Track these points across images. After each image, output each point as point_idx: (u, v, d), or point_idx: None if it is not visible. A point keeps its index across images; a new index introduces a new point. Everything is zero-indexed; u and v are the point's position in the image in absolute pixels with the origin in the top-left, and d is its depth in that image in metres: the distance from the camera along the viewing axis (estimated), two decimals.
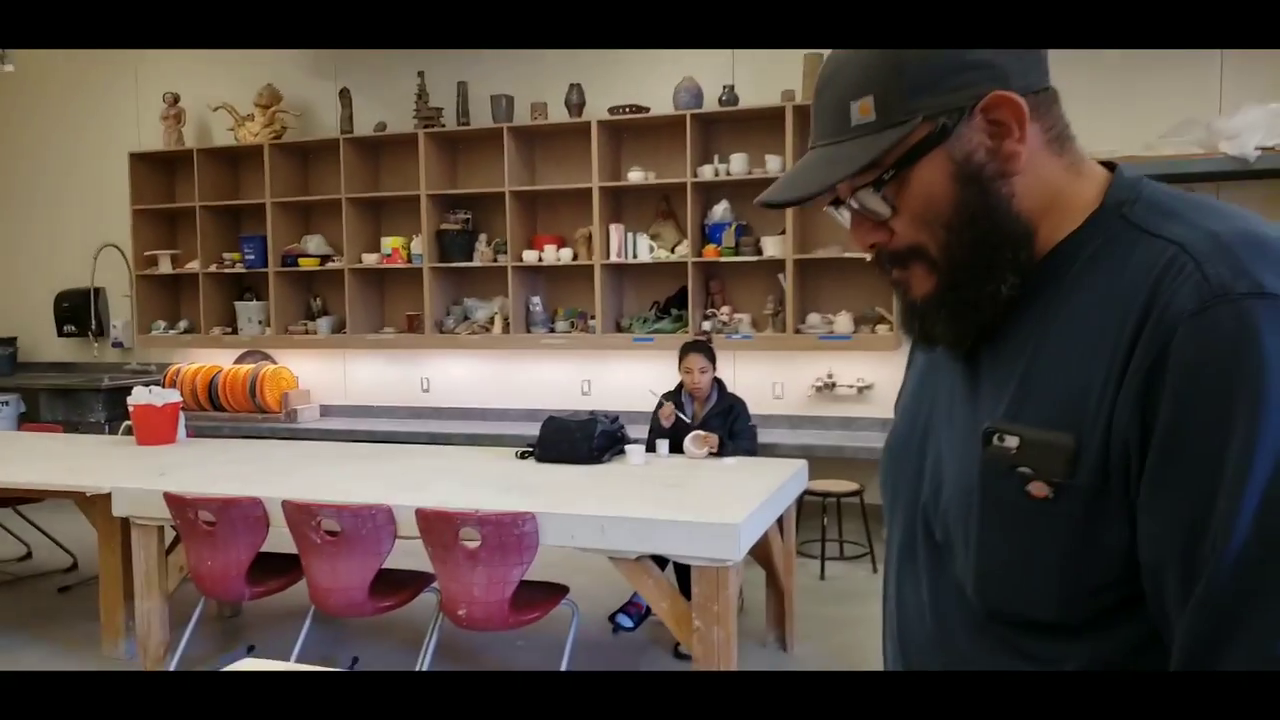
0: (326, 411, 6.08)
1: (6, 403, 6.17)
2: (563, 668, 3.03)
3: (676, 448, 3.71)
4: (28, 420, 6.16)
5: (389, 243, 5.68)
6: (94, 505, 3.35)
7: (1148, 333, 0.63)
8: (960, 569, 0.73)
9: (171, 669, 3.27)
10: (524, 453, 3.71)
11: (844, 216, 0.77)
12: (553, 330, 5.46)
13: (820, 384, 5.12)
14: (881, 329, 4.85)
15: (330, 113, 5.92)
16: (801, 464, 3.54)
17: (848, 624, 3.83)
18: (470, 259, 5.52)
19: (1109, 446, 0.64)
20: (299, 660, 3.18)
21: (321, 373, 6.14)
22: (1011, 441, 0.68)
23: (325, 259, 5.85)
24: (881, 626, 0.95)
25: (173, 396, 4.13)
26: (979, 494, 0.70)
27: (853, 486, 4.50)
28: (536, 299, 5.48)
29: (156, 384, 5.11)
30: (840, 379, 5.09)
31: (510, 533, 2.77)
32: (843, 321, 4.89)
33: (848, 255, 4.84)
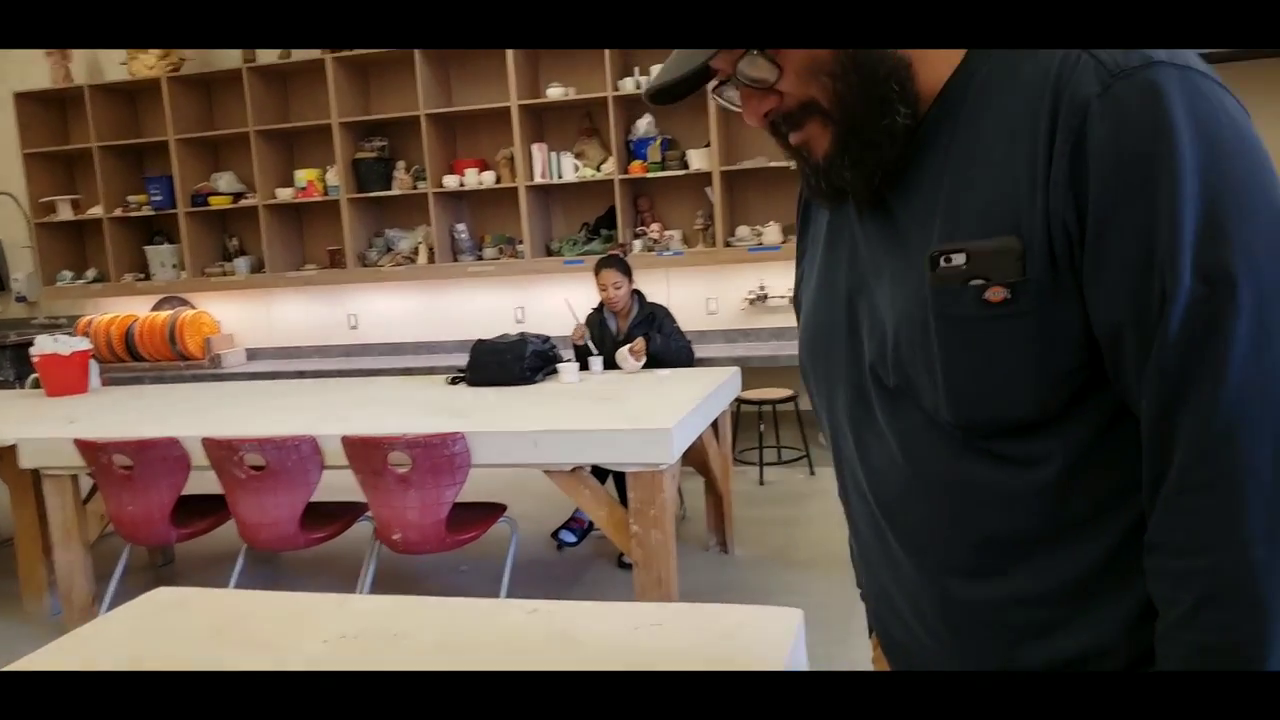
0: (253, 355, 5.90)
1: None
2: (504, 586, 3.02)
3: (611, 364, 3.68)
4: None
5: (303, 175, 5.46)
6: (1, 460, 3.21)
7: (1062, 122, 0.66)
8: (928, 399, 0.74)
9: (99, 618, 3.18)
10: (454, 378, 3.64)
11: (731, 96, 0.79)
12: (480, 257, 5.34)
13: (753, 296, 5.11)
14: None
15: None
16: (733, 370, 3.54)
17: (786, 525, 3.89)
18: (389, 187, 5.34)
19: (1051, 235, 0.67)
20: None
21: (244, 315, 5.95)
22: (959, 259, 0.70)
23: (238, 196, 5.61)
24: (848, 513, 0.93)
25: (80, 344, 3.94)
26: (935, 317, 0.72)
27: (787, 393, 4.53)
28: (461, 226, 5.34)
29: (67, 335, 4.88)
30: (772, 290, 5.09)
31: (440, 453, 2.71)
32: (771, 232, 4.86)
33: (773, 165, 4.79)
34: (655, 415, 2.78)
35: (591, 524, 3.73)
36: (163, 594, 1.58)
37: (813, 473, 4.53)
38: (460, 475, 2.77)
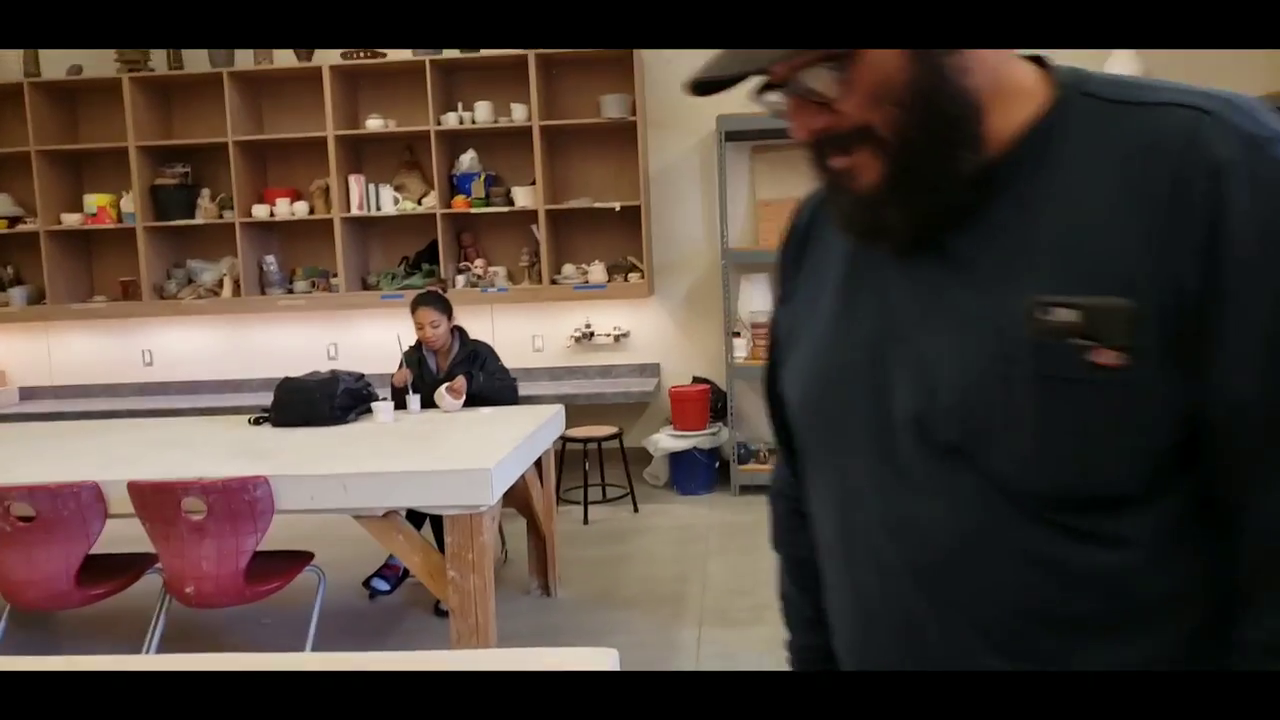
0: (28, 394, 5.35)
1: None
2: (309, 639, 2.85)
3: (430, 404, 3.58)
4: None
5: (94, 200, 5.04)
6: None
7: (1194, 186, 0.63)
8: (1001, 460, 0.68)
9: None
10: (258, 418, 3.43)
11: (774, 102, 0.71)
12: (291, 290, 5.09)
13: (579, 334, 5.14)
14: (634, 277, 4.93)
15: (8, 53, 5.14)
16: (557, 408, 3.53)
17: (611, 563, 3.89)
18: (192, 216, 5.02)
19: (1168, 301, 0.63)
20: None
21: (19, 351, 5.39)
22: (1068, 315, 0.65)
23: (14, 220, 5.11)
24: (833, 579, 0.85)
25: None
26: (1029, 374, 0.66)
27: (612, 430, 4.57)
28: (270, 258, 5.09)
29: None
30: (598, 328, 5.14)
31: (239, 499, 2.54)
32: (596, 271, 4.92)
33: (598, 206, 4.87)
34: (474, 455, 2.72)
35: (406, 571, 3.60)
36: None
37: (637, 510, 4.57)
38: (262, 523, 2.60)
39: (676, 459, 4.78)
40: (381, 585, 3.52)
